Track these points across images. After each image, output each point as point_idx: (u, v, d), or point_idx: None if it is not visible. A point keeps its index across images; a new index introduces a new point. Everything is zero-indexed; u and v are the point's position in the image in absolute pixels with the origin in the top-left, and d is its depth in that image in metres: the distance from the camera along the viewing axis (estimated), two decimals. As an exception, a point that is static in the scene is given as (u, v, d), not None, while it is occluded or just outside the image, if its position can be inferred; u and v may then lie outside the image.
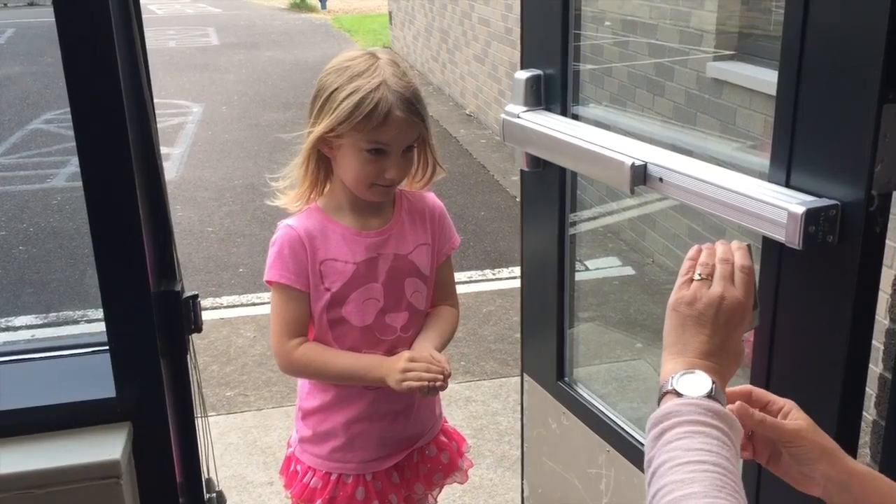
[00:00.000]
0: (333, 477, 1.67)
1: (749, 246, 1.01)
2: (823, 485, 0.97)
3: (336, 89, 1.49)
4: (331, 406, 1.66)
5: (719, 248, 1.00)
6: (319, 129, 1.50)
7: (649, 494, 0.81)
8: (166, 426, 1.38)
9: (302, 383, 1.72)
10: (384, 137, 1.49)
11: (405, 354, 1.57)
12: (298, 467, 1.72)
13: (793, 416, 0.99)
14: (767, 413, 0.99)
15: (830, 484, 0.96)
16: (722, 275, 0.96)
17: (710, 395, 0.87)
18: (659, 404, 0.89)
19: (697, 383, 0.88)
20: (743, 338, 0.99)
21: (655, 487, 0.81)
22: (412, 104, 1.51)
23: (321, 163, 1.58)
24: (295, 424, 1.75)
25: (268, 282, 1.59)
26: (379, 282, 1.60)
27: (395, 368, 1.54)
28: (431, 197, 1.71)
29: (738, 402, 0.96)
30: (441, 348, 1.63)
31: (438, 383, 1.52)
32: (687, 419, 0.85)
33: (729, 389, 1.00)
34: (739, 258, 0.98)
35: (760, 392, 1.03)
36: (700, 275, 0.97)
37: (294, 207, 1.62)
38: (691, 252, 1.01)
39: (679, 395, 0.88)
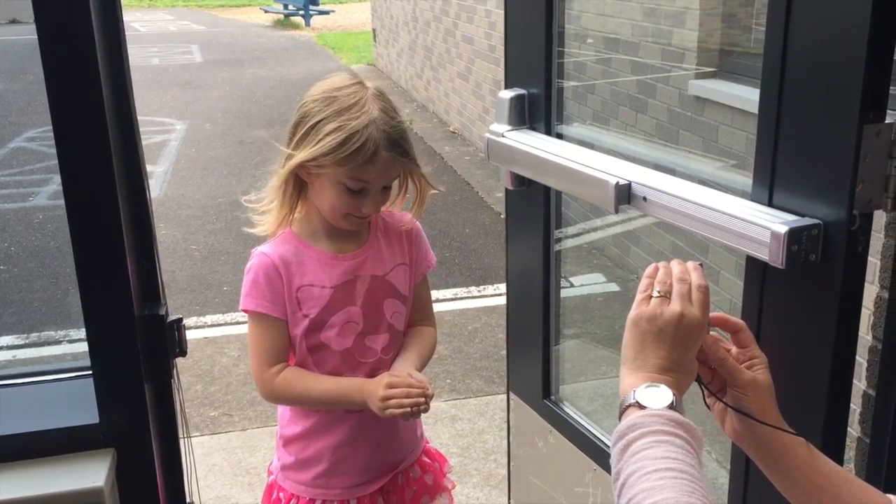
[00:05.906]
0: (318, 504, 1.65)
1: (701, 265, 1.04)
2: (747, 436, 1.02)
3: (321, 120, 1.47)
4: (313, 432, 1.64)
5: (676, 267, 1.03)
6: (301, 156, 1.48)
7: None
8: (151, 453, 1.37)
9: (283, 410, 1.70)
10: (367, 176, 1.48)
11: (384, 380, 1.53)
12: (281, 495, 1.69)
13: (757, 369, 1.04)
14: (739, 354, 1.06)
15: (753, 437, 1.02)
16: (680, 293, 0.99)
17: (671, 407, 0.90)
18: (620, 418, 0.92)
19: (659, 396, 0.91)
20: None
21: (626, 498, 0.82)
22: (399, 144, 1.49)
23: (297, 186, 1.56)
24: (276, 452, 1.73)
25: (244, 310, 1.58)
26: (357, 305, 1.59)
27: (375, 395, 1.52)
28: (407, 216, 1.70)
29: (713, 334, 1.02)
30: (420, 368, 1.61)
31: (421, 407, 1.50)
32: (652, 429, 0.87)
33: (722, 315, 1.07)
34: (696, 278, 1.01)
35: (747, 336, 1.08)
36: (659, 292, 0.99)
37: (270, 232, 1.60)
38: (649, 270, 1.04)
39: (642, 407, 0.90)
